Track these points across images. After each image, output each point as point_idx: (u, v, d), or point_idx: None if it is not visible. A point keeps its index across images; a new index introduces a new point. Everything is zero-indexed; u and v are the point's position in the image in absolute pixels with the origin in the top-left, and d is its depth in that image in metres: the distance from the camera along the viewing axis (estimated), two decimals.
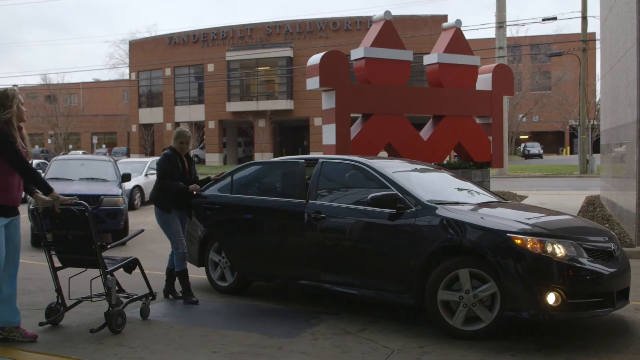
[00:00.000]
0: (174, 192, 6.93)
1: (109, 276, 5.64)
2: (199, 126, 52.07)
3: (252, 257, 6.98)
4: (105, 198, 11.62)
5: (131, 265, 6.06)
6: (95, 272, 5.73)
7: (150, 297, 6.18)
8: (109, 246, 5.97)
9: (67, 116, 60.54)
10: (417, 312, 5.89)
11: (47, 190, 5.35)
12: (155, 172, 19.74)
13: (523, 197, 17.40)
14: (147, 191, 18.57)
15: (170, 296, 7.02)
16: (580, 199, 17.38)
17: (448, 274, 5.38)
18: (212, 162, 49.94)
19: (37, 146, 60.21)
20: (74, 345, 5.19)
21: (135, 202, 17.95)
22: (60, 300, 5.74)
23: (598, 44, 26.52)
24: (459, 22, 13.62)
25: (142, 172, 19.19)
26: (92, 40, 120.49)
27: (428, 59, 13.43)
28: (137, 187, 18.40)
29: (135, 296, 6.08)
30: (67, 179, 12.68)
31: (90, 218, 5.56)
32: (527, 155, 57.29)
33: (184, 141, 7.00)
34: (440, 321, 5.42)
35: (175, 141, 7.05)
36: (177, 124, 53.17)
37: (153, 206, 7.15)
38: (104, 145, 62.44)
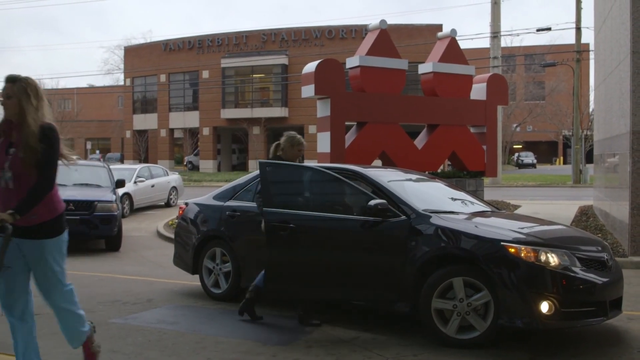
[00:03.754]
0: None
1: None
2: (193, 133, 52.07)
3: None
4: (99, 204, 11.59)
5: None
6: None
7: None
8: None
9: (60, 121, 60.17)
10: (411, 321, 5.89)
11: None
12: (144, 179, 19.28)
13: (516, 207, 17.44)
14: (136, 199, 18.28)
15: (246, 314, 6.27)
16: (574, 208, 17.42)
17: (442, 282, 5.39)
18: (206, 169, 49.90)
19: None
20: (67, 351, 5.17)
21: (125, 210, 17.15)
22: None
23: (592, 55, 26.69)
24: (454, 31, 13.70)
25: (131, 179, 18.34)
26: (87, 45, 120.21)
27: (423, 68, 13.50)
28: (126, 195, 17.46)
29: None
30: (60, 184, 12.57)
31: None
32: (521, 165, 57.54)
33: (302, 149, 6.37)
34: (434, 329, 5.42)
35: (292, 148, 6.31)
36: (172, 131, 53.21)
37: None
38: (97, 151, 62.26)
